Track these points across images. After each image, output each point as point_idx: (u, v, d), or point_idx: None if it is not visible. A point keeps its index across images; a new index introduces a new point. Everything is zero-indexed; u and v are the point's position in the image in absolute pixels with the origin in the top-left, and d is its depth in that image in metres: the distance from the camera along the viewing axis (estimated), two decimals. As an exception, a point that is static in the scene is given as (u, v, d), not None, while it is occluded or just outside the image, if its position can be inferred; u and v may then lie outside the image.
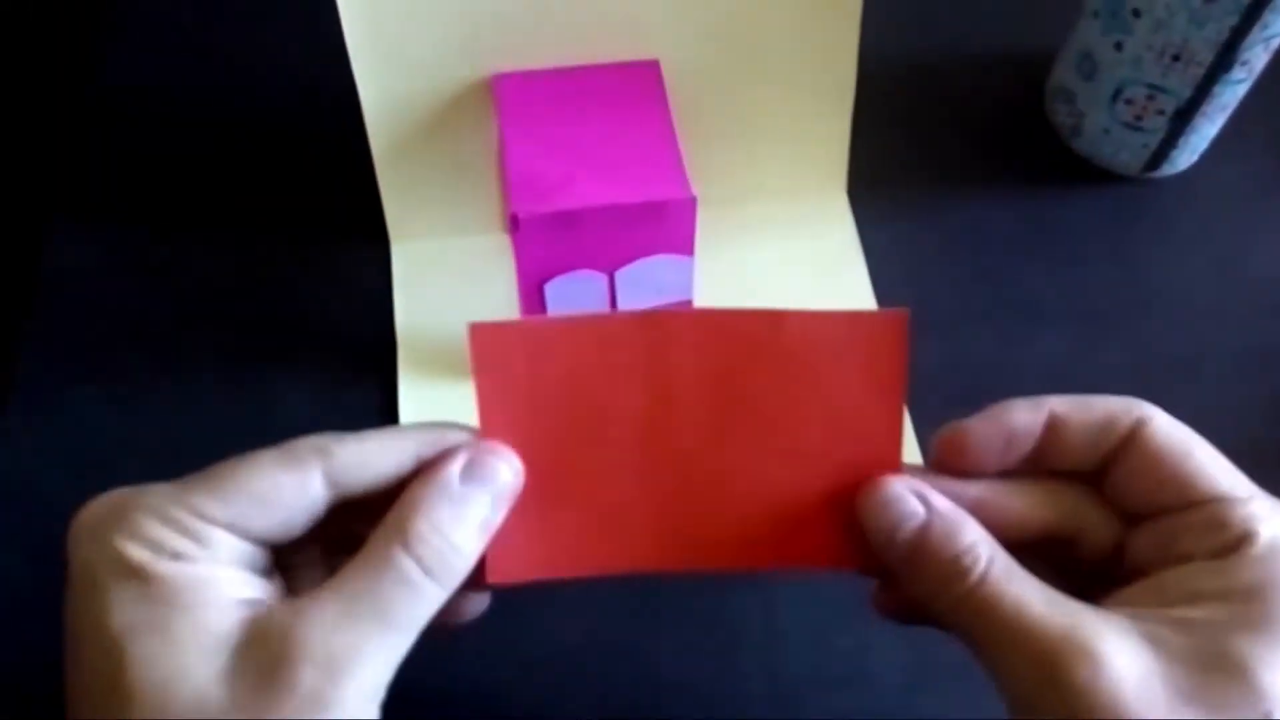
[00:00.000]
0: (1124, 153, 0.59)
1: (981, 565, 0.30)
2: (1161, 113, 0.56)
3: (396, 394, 0.53)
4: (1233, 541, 0.30)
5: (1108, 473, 0.33)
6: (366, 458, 0.31)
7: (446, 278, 0.56)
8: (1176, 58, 0.54)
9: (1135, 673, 0.28)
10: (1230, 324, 0.56)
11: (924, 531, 0.31)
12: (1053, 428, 0.32)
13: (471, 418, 0.53)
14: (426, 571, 0.30)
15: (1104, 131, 0.59)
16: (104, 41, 0.65)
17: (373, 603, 0.30)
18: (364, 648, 0.29)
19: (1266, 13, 0.50)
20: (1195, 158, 0.61)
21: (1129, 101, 0.57)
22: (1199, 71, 0.54)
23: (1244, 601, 0.29)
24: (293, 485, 0.30)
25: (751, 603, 0.48)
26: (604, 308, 0.50)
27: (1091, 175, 0.61)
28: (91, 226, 0.58)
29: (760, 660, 0.47)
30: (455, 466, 0.32)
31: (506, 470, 0.33)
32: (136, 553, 0.29)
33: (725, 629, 0.48)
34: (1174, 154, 0.59)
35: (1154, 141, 0.58)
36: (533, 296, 0.49)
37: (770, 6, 0.51)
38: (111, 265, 0.56)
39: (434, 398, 0.53)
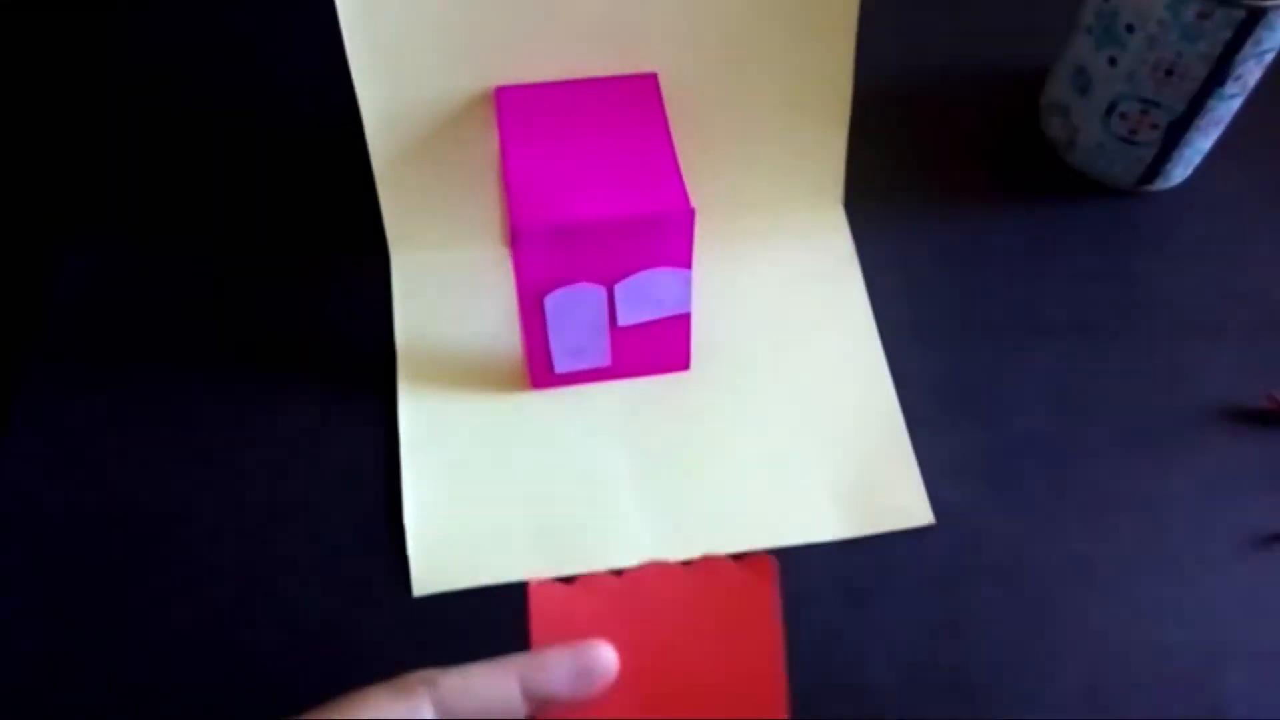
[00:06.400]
0: (1118, 166, 0.60)
1: None
2: (1155, 127, 0.57)
3: (396, 404, 0.53)
4: None
5: None
6: (470, 685, 0.33)
7: (446, 289, 0.56)
8: (1170, 72, 0.54)
9: None
10: (1225, 335, 0.57)
11: None
12: None
13: (468, 430, 0.53)
14: None
15: (1098, 145, 0.60)
16: (107, 60, 0.65)
17: None
18: None
19: (1259, 28, 0.51)
20: (1189, 171, 0.61)
21: (1123, 116, 0.57)
22: (1192, 86, 0.54)
23: None
24: (405, 714, 0.32)
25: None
26: (603, 320, 0.50)
27: (1086, 189, 0.61)
28: (93, 242, 0.58)
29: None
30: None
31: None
32: None
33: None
34: (1168, 168, 0.60)
35: (1148, 155, 0.59)
36: (532, 309, 0.49)
37: (768, 21, 0.52)
38: (112, 280, 0.57)
39: (433, 408, 0.53)
